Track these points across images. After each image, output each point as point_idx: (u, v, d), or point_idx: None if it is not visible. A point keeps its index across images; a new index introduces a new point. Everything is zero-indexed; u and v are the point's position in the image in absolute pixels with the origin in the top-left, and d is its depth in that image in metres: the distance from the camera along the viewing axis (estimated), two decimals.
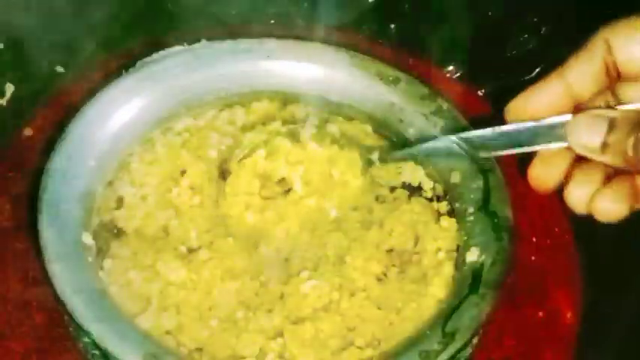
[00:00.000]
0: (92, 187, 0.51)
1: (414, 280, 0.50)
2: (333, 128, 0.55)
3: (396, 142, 0.55)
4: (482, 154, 0.47)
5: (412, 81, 0.56)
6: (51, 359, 0.49)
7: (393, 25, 0.68)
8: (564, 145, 0.41)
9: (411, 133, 0.55)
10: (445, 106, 0.55)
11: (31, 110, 0.61)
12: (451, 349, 0.44)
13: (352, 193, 0.53)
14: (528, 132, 0.43)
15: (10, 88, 0.60)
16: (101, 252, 0.50)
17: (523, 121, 0.43)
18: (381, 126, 0.56)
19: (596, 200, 0.38)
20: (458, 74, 0.67)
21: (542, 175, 0.42)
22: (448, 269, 0.49)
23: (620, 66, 0.39)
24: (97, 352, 0.48)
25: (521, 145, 0.43)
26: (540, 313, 0.54)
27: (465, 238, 0.50)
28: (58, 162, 0.49)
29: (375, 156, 0.54)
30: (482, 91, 0.66)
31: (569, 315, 0.54)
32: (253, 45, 0.57)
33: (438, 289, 0.48)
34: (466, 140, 0.47)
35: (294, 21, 0.68)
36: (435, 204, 0.54)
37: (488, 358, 0.52)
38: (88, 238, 0.48)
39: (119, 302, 0.46)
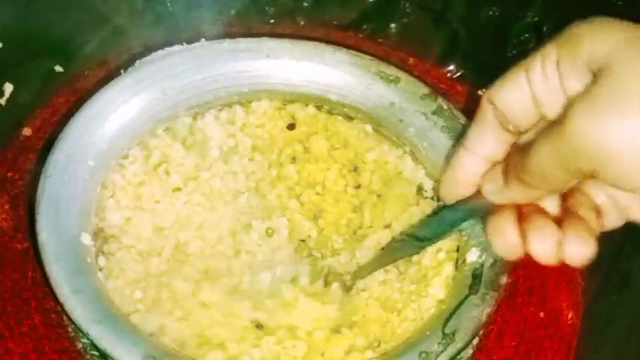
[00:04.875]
0: (91, 188, 0.50)
1: (415, 281, 0.50)
2: None
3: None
4: (424, 245, 0.45)
5: (412, 81, 0.56)
6: None
7: (393, 25, 0.68)
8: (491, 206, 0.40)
9: (411, 132, 0.55)
10: (445, 105, 0.55)
11: (30, 110, 0.61)
12: (451, 350, 0.44)
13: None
14: (463, 207, 0.41)
15: (9, 88, 0.59)
16: (100, 252, 0.50)
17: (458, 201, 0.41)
18: (381, 126, 0.56)
19: (565, 250, 0.36)
20: (458, 74, 0.67)
21: (506, 248, 0.39)
22: (448, 270, 0.49)
23: (510, 118, 0.38)
24: (95, 352, 0.48)
25: (456, 223, 0.42)
26: (541, 314, 0.54)
27: (465, 238, 0.50)
28: (57, 162, 0.49)
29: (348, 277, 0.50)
30: (483, 91, 0.66)
31: (569, 315, 0.54)
32: (253, 44, 0.57)
33: (438, 290, 0.48)
34: (411, 235, 0.45)
35: (294, 20, 0.68)
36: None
37: (489, 358, 0.51)
38: (86, 239, 0.48)
39: (117, 302, 0.46)
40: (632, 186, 0.32)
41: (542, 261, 0.37)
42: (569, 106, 0.33)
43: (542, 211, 0.38)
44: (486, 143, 0.39)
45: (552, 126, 0.33)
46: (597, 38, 0.33)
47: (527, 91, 0.36)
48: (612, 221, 0.38)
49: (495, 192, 0.39)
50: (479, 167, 0.39)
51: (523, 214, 0.38)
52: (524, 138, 0.38)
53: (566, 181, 0.35)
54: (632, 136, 0.30)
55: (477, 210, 0.40)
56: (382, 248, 0.51)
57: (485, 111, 0.38)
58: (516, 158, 0.36)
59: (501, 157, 0.39)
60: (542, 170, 0.34)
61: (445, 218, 0.42)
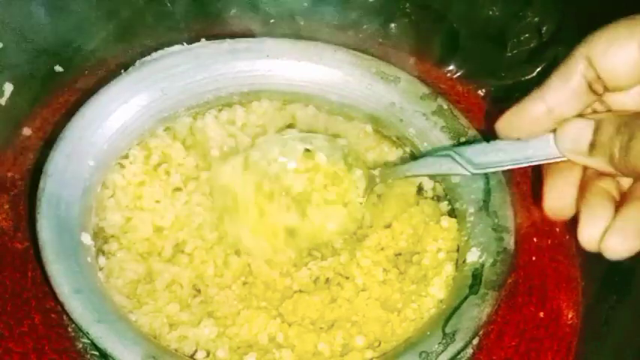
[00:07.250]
0: (91, 187, 0.50)
1: (415, 281, 0.50)
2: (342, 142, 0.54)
3: (392, 163, 0.55)
4: (475, 170, 0.44)
5: (412, 81, 0.56)
6: None
7: (393, 25, 0.68)
8: (558, 158, 0.40)
9: (411, 132, 0.55)
10: (445, 105, 0.55)
11: (31, 110, 0.61)
12: (451, 350, 0.44)
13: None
14: (522, 147, 0.41)
15: (9, 88, 0.59)
16: (100, 252, 0.50)
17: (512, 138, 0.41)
18: (381, 125, 0.56)
19: (605, 238, 0.36)
20: (458, 74, 0.67)
21: (556, 208, 0.40)
22: (448, 270, 0.49)
23: (604, 78, 0.37)
24: (95, 352, 0.48)
25: (515, 161, 0.42)
26: (541, 314, 0.54)
27: (466, 238, 0.50)
28: (57, 162, 0.49)
29: (377, 172, 0.51)
30: (483, 91, 0.66)
31: (569, 315, 0.54)
32: (253, 44, 0.57)
33: (438, 290, 0.48)
34: (462, 154, 0.45)
35: (294, 20, 0.68)
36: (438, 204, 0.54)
37: (489, 358, 0.51)
38: (87, 239, 0.48)
39: (117, 302, 0.46)
40: None
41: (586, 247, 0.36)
42: None
43: (601, 178, 0.38)
44: (562, 97, 0.39)
45: None
46: None
47: (635, 56, 0.36)
48: None
49: (574, 151, 0.38)
50: (544, 116, 0.39)
51: (583, 180, 0.38)
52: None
53: None
54: None
55: (536, 156, 0.41)
56: (420, 155, 0.50)
57: (575, 66, 0.38)
58: (620, 137, 0.36)
59: (569, 114, 0.39)
60: None
61: (507, 151, 0.42)
